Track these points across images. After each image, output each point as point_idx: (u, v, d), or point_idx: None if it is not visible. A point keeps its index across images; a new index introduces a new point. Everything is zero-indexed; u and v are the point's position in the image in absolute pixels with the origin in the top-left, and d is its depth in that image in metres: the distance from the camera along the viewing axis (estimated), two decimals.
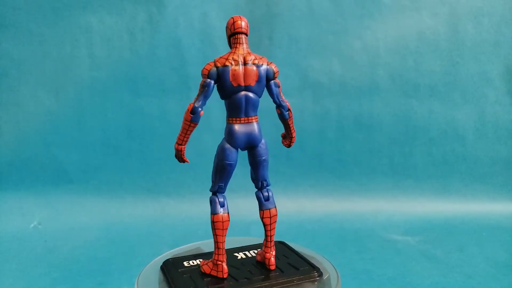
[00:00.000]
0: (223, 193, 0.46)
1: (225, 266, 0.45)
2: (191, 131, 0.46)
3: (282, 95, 0.47)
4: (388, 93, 1.21)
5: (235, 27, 0.45)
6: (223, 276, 0.45)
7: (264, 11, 1.17)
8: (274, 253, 0.48)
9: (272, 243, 0.48)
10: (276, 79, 0.47)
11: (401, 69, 1.21)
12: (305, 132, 1.19)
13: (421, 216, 1.15)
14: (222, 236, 0.45)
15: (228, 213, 0.46)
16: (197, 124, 0.46)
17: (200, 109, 0.45)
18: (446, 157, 1.24)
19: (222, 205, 0.45)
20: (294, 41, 1.18)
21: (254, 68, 0.44)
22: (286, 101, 0.47)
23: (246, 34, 0.45)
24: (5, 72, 1.11)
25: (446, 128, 1.23)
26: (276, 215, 0.48)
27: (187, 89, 1.17)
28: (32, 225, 1.06)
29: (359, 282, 0.79)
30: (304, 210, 1.16)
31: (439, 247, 0.96)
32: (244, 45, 0.45)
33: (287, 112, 0.48)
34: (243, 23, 0.45)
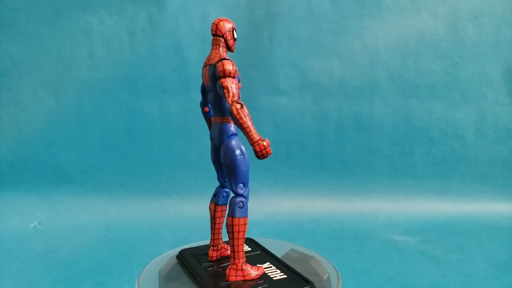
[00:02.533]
0: (221, 185, 0.50)
1: (209, 250, 0.50)
2: (207, 123, 0.52)
3: (228, 97, 0.41)
4: (388, 93, 1.22)
5: (211, 30, 0.46)
6: (207, 258, 0.50)
7: (264, 11, 1.17)
8: (236, 265, 0.44)
9: (233, 255, 0.44)
10: (222, 79, 0.41)
11: (401, 69, 1.21)
12: (305, 132, 1.19)
13: (421, 216, 1.15)
14: (211, 222, 0.50)
15: (214, 203, 0.49)
16: (208, 118, 0.52)
17: (204, 105, 0.51)
18: (446, 157, 1.24)
19: (214, 195, 0.49)
20: (294, 41, 1.18)
21: (208, 68, 0.45)
22: (234, 102, 0.40)
23: (221, 36, 0.46)
24: (5, 72, 1.11)
25: (446, 128, 1.23)
26: (231, 225, 0.43)
27: (187, 89, 1.17)
28: (32, 225, 1.06)
29: (359, 282, 0.79)
30: (304, 210, 1.16)
31: (439, 247, 0.96)
32: (219, 48, 0.46)
33: (231, 116, 0.40)
34: (217, 26, 0.46)
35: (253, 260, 0.50)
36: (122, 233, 1.03)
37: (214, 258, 0.50)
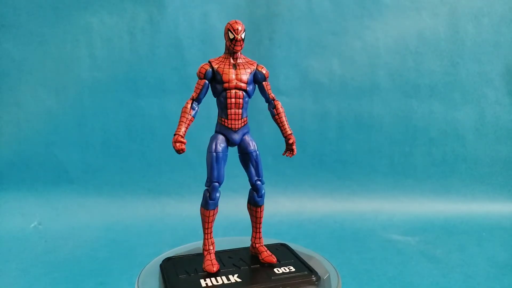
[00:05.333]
0: None
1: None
2: None
3: None
4: (388, 93, 1.21)
5: None
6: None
7: (264, 11, 1.17)
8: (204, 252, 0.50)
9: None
10: None
11: (401, 69, 1.21)
12: (305, 132, 1.19)
13: (421, 216, 1.15)
14: None
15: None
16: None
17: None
18: (446, 157, 1.24)
19: None
20: (294, 41, 1.18)
21: None
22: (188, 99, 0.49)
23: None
24: (5, 72, 1.11)
25: (446, 128, 1.23)
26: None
27: (187, 89, 1.17)
28: (32, 225, 1.06)
29: (359, 282, 0.79)
30: (304, 210, 1.16)
31: (439, 247, 0.96)
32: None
33: None
34: None
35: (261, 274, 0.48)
36: (122, 233, 1.03)
37: (252, 253, 0.53)
